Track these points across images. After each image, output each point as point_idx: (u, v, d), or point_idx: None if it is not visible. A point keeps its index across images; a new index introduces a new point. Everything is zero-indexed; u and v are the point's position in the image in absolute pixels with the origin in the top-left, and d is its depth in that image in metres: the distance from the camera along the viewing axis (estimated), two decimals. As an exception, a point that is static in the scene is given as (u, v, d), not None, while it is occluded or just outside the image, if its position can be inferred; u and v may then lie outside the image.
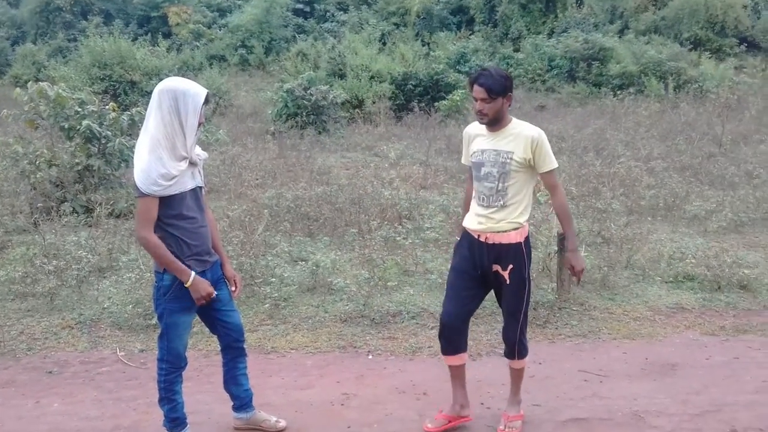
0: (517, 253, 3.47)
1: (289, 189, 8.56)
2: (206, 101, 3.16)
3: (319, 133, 14.72)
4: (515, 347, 3.61)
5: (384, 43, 23.78)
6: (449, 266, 3.71)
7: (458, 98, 16.46)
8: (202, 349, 4.78)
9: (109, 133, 8.14)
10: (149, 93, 14.78)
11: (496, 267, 3.47)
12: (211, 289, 3.24)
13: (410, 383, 4.23)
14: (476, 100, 3.35)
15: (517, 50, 23.69)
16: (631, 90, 18.68)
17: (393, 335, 5.01)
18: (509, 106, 3.39)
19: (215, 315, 3.46)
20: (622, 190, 8.67)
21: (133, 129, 9.20)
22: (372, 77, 18.53)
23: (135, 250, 6.49)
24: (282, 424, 3.73)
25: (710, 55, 21.91)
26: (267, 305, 5.42)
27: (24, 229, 7.46)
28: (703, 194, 8.73)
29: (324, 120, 15.24)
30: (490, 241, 3.46)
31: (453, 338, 3.59)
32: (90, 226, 7.33)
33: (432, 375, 4.34)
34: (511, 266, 3.45)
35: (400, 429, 3.68)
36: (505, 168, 3.38)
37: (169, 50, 22.49)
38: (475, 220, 3.52)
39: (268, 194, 8.38)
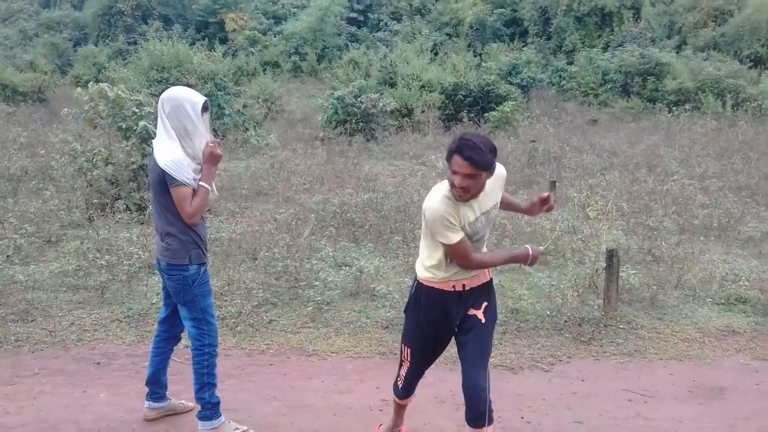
0: (491, 291, 3.27)
1: (336, 195, 8.62)
2: (205, 108, 3.41)
3: (368, 140, 14.82)
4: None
5: (436, 53, 23.83)
6: None
7: (509, 110, 16.37)
8: (245, 348, 4.84)
9: (164, 133, 8.33)
10: (204, 96, 15.13)
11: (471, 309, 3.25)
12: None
13: (449, 393, 4.20)
14: (456, 174, 2.87)
15: (570, 63, 23.47)
16: (687, 107, 18.30)
17: (434, 344, 4.98)
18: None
19: None
20: (674, 208, 8.47)
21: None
22: (422, 87, 18.58)
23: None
24: (191, 405, 3.85)
25: (771, 73, 21.32)
26: (310, 308, 5.46)
27: (79, 224, 7.70)
28: (759, 215, 8.47)
29: (373, 128, 15.35)
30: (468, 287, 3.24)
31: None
32: (142, 223, 7.52)
33: (472, 386, 4.30)
34: (485, 304, 3.21)
35: (438, 438, 3.66)
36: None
37: (225, 55, 22.98)
38: None
39: (315, 199, 8.46)
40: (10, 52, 28.61)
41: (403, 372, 3.40)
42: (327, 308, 5.54)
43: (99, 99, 8.60)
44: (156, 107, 8.70)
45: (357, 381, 4.37)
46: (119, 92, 8.55)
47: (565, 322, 5.30)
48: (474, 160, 2.81)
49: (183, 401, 3.88)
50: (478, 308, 3.17)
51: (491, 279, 3.26)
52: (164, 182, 3.30)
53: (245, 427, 3.63)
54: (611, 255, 5.41)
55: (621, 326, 5.32)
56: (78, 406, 3.96)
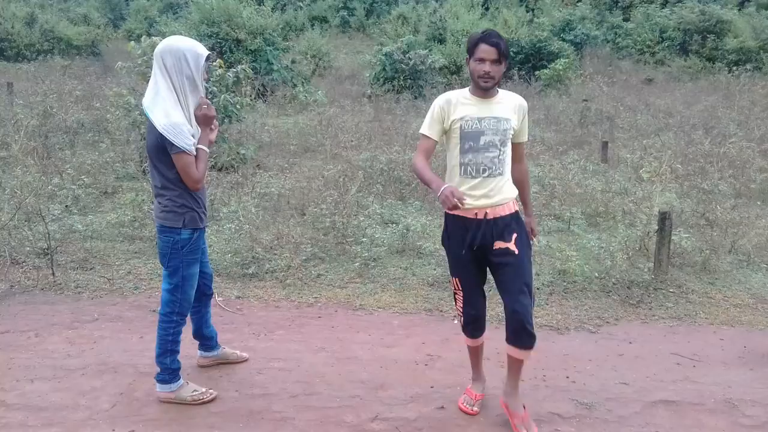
0: (519, 221, 3.26)
1: (384, 152, 8.62)
2: (207, 58, 3.20)
3: (415, 97, 14.69)
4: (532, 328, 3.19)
5: (487, 8, 23.29)
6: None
7: (561, 67, 15.97)
8: (294, 300, 4.95)
9: (215, 89, 8.43)
10: (253, 51, 15.09)
11: (499, 242, 3.18)
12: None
13: (495, 351, 4.23)
14: (483, 61, 3.04)
15: (626, 19, 22.71)
16: (748, 67, 17.61)
17: (480, 302, 5.00)
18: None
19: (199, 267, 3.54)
20: (731, 172, 8.22)
21: (237, 86, 9.49)
22: (472, 43, 18.21)
23: (235, 202, 6.76)
24: (245, 355, 3.98)
25: (841, 32, 20.22)
26: (357, 264, 5.53)
27: (133, 176, 7.89)
28: (822, 181, 8.14)
29: (421, 85, 15.20)
30: (491, 216, 3.17)
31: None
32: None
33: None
34: (515, 235, 3.19)
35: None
36: (507, 135, 3.16)
37: (274, 10, 22.85)
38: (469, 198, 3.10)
39: (362, 156, 8.47)
40: (64, 5, 29.07)
41: (459, 305, 3.45)
42: (374, 264, 5.60)
43: (151, 53, 8.71)
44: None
45: (403, 336, 4.44)
46: (171, 47, 8.64)
47: (614, 284, 5.25)
48: (499, 45, 3.04)
49: (237, 351, 4.00)
50: (509, 241, 3.18)
51: (517, 211, 3.27)
52: (162, 146, 3.10)
53: (204, 389, 3.55)
54: (664, 218, 5.31)
55: (671, 290, 5.25)
56: (136, 350, 4.13)
